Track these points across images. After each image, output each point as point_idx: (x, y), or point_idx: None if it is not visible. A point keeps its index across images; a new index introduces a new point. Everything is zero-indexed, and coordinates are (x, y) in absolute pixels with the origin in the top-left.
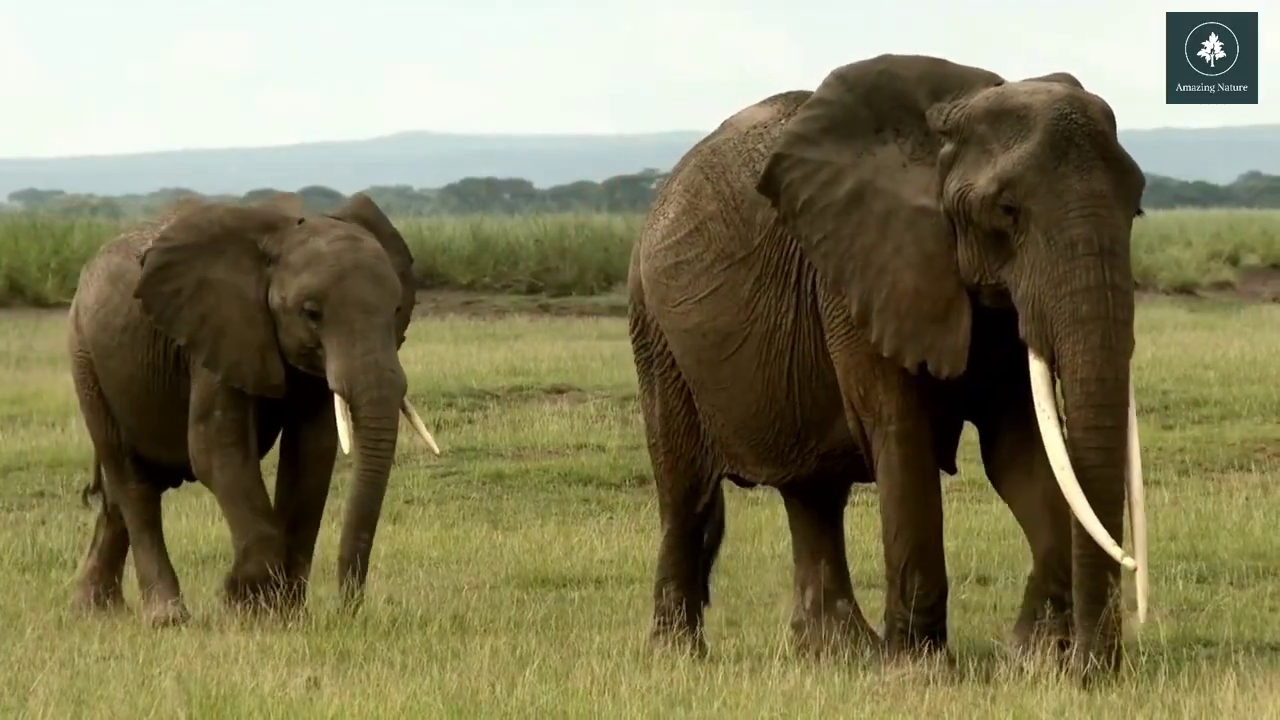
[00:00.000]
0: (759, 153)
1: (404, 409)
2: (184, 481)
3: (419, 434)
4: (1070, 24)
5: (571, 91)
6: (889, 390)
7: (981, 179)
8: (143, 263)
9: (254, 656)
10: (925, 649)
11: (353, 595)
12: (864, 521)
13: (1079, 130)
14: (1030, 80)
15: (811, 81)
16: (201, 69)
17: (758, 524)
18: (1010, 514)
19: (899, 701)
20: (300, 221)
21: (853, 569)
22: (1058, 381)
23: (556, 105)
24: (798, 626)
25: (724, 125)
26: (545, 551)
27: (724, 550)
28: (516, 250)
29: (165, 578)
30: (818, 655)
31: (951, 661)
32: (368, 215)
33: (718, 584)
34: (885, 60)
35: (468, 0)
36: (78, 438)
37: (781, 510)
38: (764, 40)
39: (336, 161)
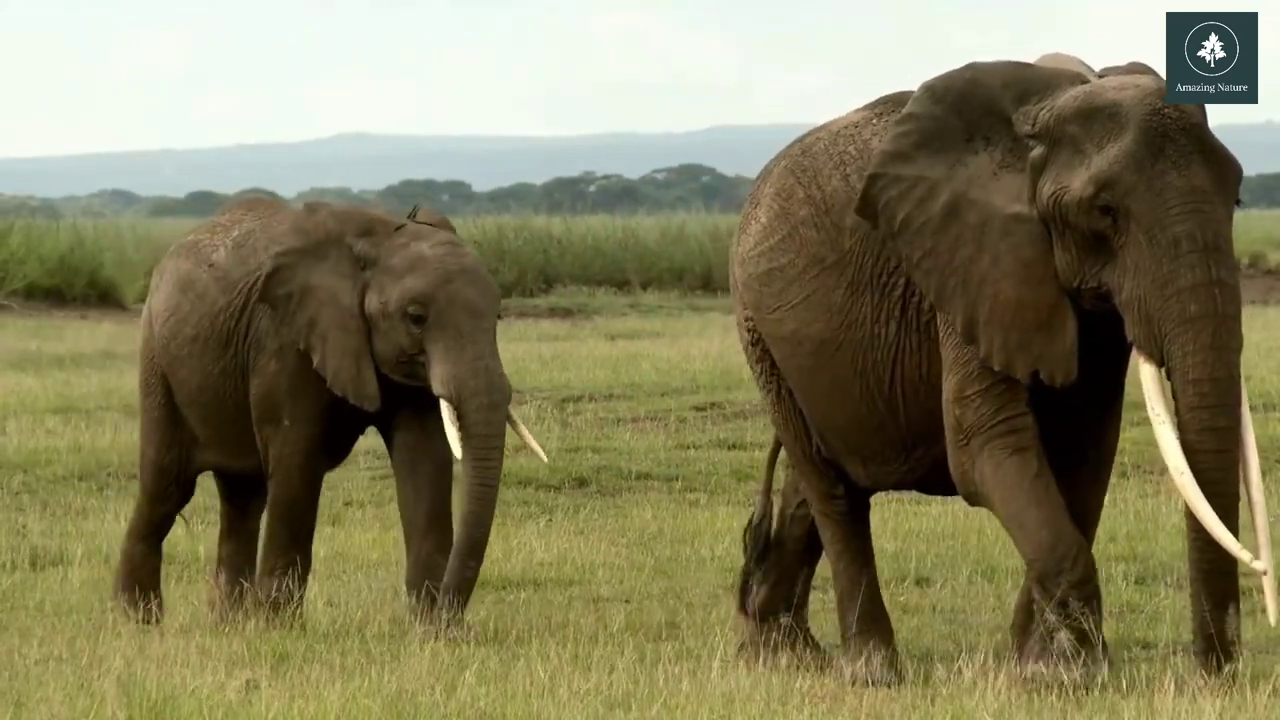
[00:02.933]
0: (849, 155)
1: (508, 417)
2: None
3: (526, 442)
4: (1015, 24)
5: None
6: (987, 389)
7: (1076, 181)
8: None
9: (194, 659)
10: (1077, 649)
11: (453, 623)
12: None
13: (1173, 124)
14: (1112, 74)
15: (748, 80)
16: (137, 71)
17: (697, 526)
18: (949, 516)
19: (838, 704)
20: (398, 227)
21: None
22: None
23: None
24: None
25: (816, 129)
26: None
27: (664, 552)
28: None
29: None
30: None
31: (1111, 663)
32: (447, 227)
33: (658, 585)
34: (971, 68)
35: (405, 1)
36: (16, 439)
37: (722, 512)
38: (700, 42)
39: (275, 163)
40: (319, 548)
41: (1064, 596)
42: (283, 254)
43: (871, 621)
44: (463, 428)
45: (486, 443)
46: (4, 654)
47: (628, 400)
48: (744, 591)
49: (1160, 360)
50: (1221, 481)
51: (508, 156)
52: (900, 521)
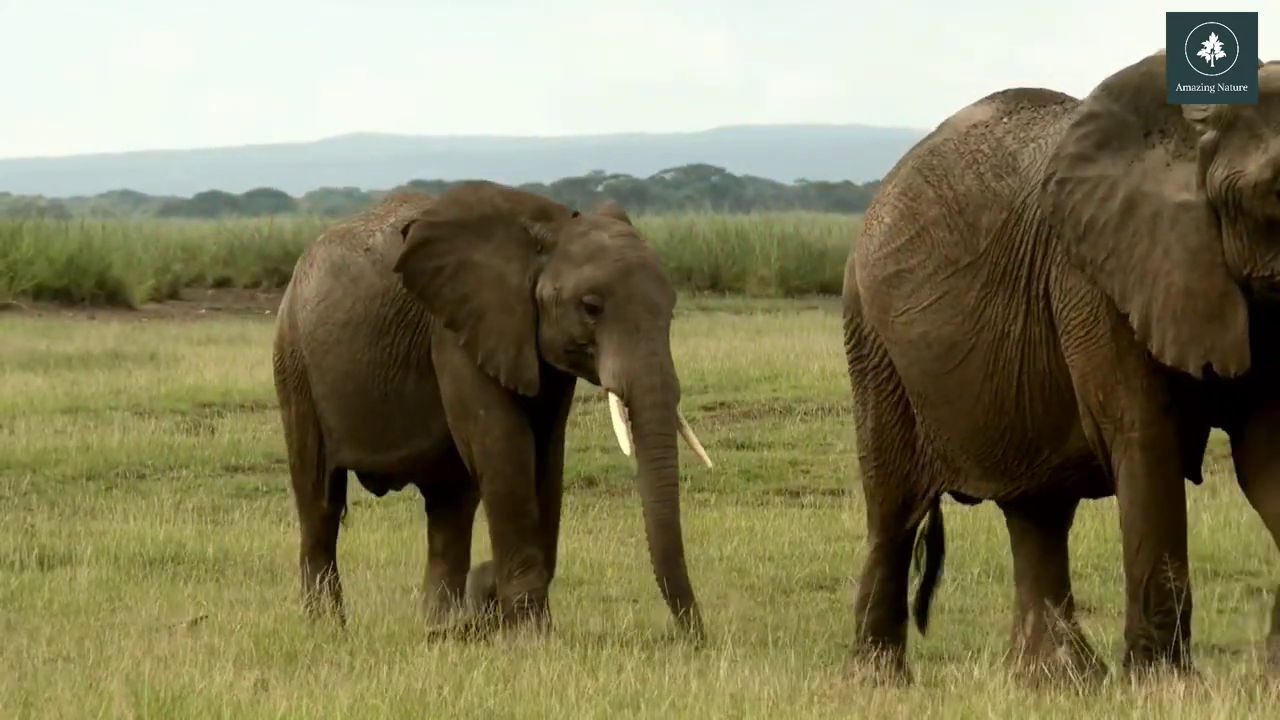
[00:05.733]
0: (983, 154)
1: (677, 419)
2: (388, 490)
3: (692, 447)
4: (1008, 25)
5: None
6: (1132, 395)
7: (1252, 165)
8: (404, 236)
9: (202, 658)
10: (1165, 665)
11: (692, 625)
12: (812, 523)
13: None
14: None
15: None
16: (145, 71)
17: (705, 526)
18: (957, 516)
19: (847, 703)
20: (575, 214)
21: (800, 571)
22: None
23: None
24: (1016, 654)
25: (941, 126)
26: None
27: None
28: None
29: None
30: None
31: (1199, 677)
32: (624, 219)
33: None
34: (1147, 62)
35: (414, 1)
36: (25, 439)
37: (730, 511)
38: (709, 42)
39: (284, 163)
40: None
41: (1159, 624)
42: (435, 224)
43: (891, 623)
44: (634, 425)
45: (661, 441)
46: (12, 654)
47: None
48: (922, 606)
49: None
50: None
51: (517, 156)
52: None
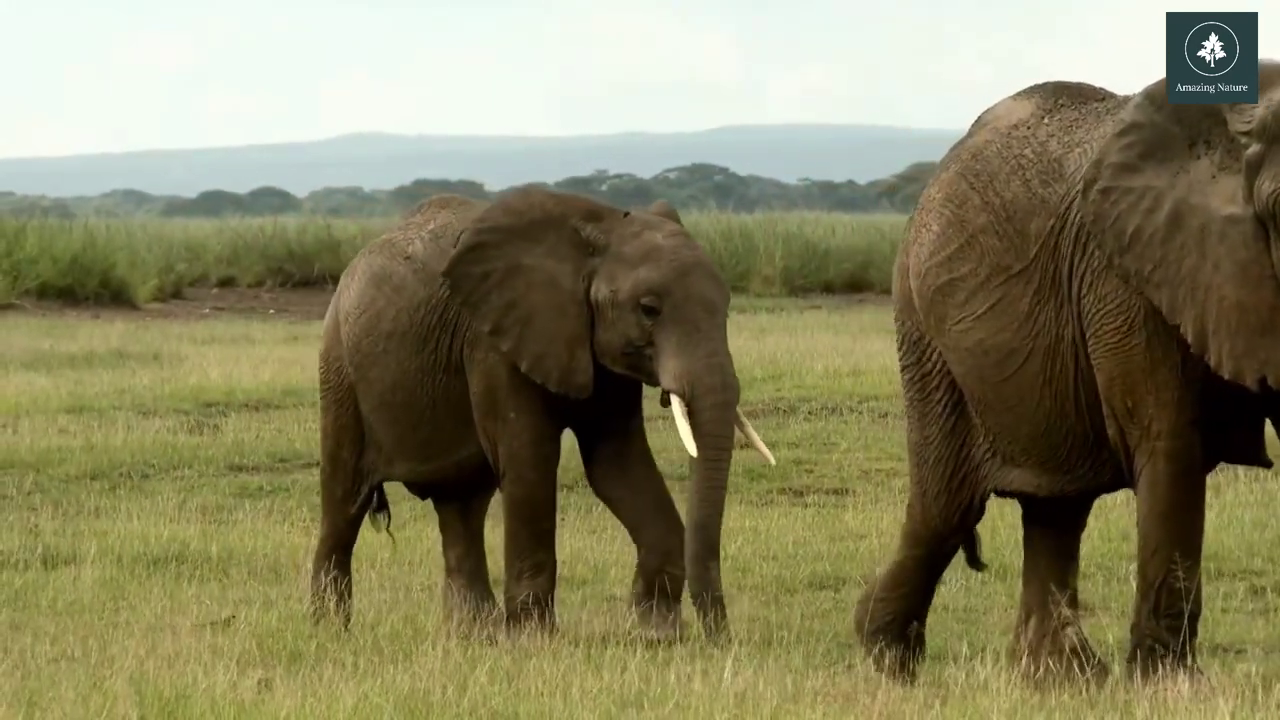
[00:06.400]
0: (1027, 159)
1: (737, 418)
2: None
3: (753, 444)
4: (1019, 24)
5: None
6: (1162, 407)
7: None
8: (456, 243)
9: (206, 658)
10: (1171, 667)
11: (719, 629)
12: (816, 522)
13: None
14: None
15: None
16: (148, 70)
17: None
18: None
19: (851, 703)
20: (625, 214)
21: (804, 570)
22: None
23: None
24: (1019, 654)
25: (979, 124)
26: (496, 553)
27: None
28: None
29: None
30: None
31: (1203, 677)
32: (674, 218)
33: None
34: None
35: (417, 1)
36: (29, 438)
37: (733, 511)
38: (712, 41)
39: (287, 163)
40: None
41: (1168, 626)
42: (485, 230)
43: (902, 624)
44: (693, 425)
45: (718, 442)
46: (16, 653)
47: None
48: (970, 552)
49: None
50: None
51: (520, 156)
52: None
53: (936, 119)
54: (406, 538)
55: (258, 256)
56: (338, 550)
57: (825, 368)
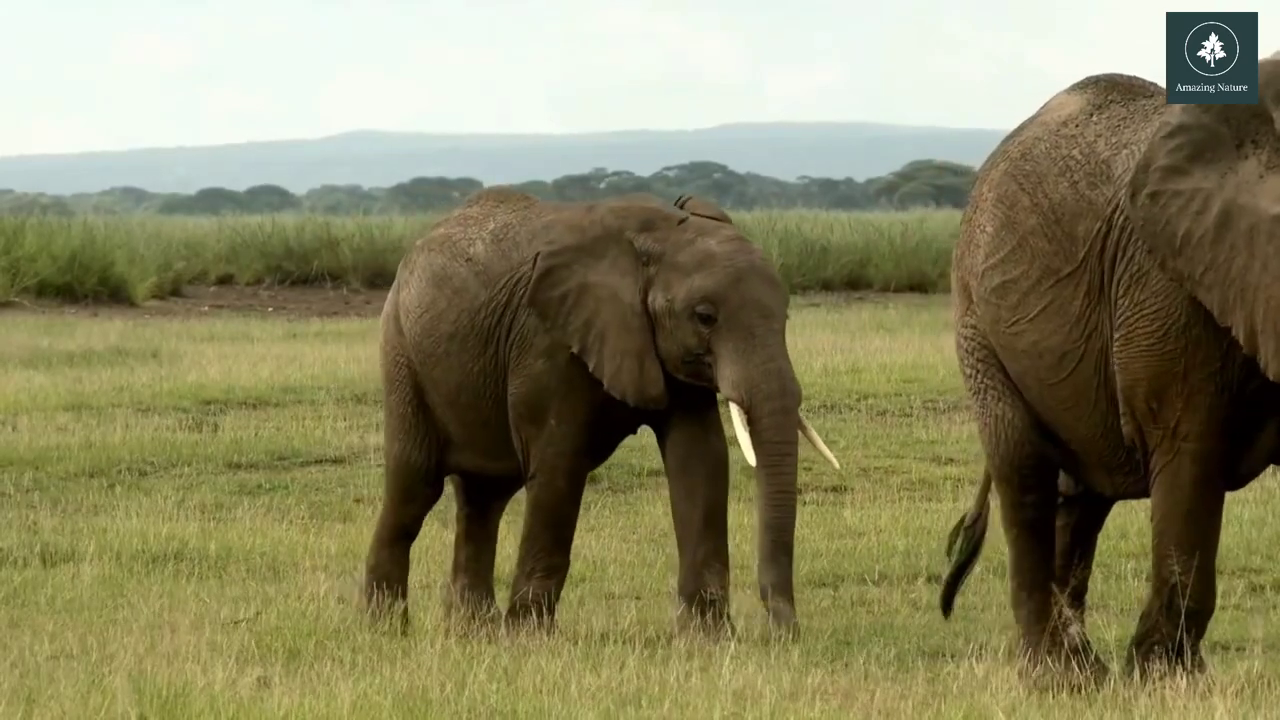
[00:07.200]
0: (1075, 160)
1: (800, 422)
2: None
3: (816, 448)
4: (1019, 24)
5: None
6: (1194, 411)
7: None
8: (532, 267)
9: (205, 655)
10: (1173, 662)
11: (788, 623)
12: (814, 520)
13: None
14: None
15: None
16: (147, 68)
17: None
18: (960, 514)
19: (850, 700)
20: (680, 221)
21: (802, 568)
22: None
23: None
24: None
25: (1030, 120)
26: (497, 550)
27: (675, 549)
28: None
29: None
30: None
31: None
32: (724, 219)
33: (667, 583)
34: None
35: None
36: (28, 436)
37: (732, 509)
38: (711, 40)
39: (285, 160)
40: (329, 544)
41: (1179, 625)
42: (555, 253)
43: (1043, 628)
44: (754, 432)
45: (780, 449)
46: (15, 651)
47: None
48: (949, 593)
49: None
50: None
51: (519, 154)
52: (911, 519)
53: (935, 117)
54: None
55: (256, 254)
56: (400, 541)
57: (824, 365)
